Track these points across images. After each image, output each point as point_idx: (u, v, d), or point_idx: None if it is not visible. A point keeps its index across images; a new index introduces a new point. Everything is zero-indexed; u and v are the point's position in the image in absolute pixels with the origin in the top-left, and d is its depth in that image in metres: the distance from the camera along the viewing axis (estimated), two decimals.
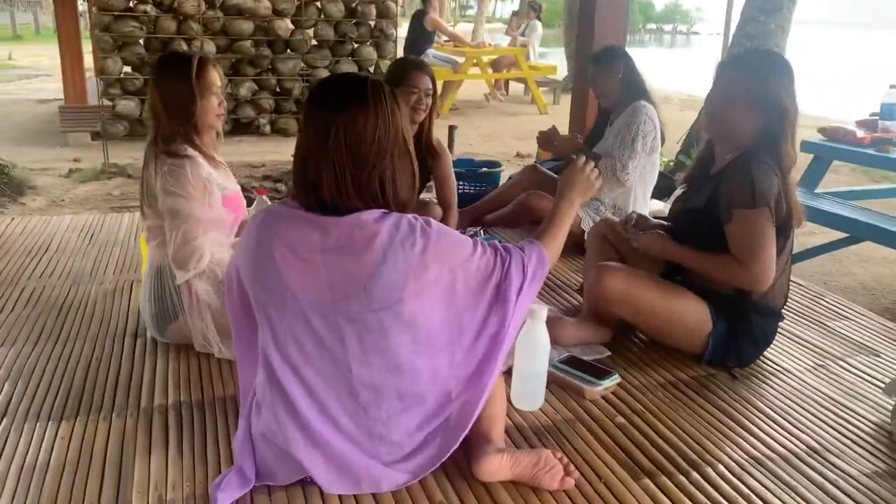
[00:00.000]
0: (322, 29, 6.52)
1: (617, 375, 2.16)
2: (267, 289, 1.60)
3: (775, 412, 2.07)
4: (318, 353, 1.59)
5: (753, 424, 2.00)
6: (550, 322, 2.43)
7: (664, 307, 2.27)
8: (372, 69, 6.85)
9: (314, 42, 6.52)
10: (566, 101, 12.17)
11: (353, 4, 6.55)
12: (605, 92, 3.39)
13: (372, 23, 6.71)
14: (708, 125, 2.30)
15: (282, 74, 6.50)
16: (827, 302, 2.93)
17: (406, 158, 1.64)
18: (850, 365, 2.38)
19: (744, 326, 2.26)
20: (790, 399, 2.14)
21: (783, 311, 2.37)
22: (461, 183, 4.10)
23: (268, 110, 6.48)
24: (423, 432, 1.65)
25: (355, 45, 6.74)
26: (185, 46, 6.14)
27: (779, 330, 2.53)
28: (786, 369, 2.33)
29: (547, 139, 3.57)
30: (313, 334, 1.58)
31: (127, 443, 1.84)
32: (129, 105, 6.05)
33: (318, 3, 6.42)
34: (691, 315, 2.26)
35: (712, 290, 2.25)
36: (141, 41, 6.12)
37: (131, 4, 5.97)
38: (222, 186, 2.33)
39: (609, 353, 2.37)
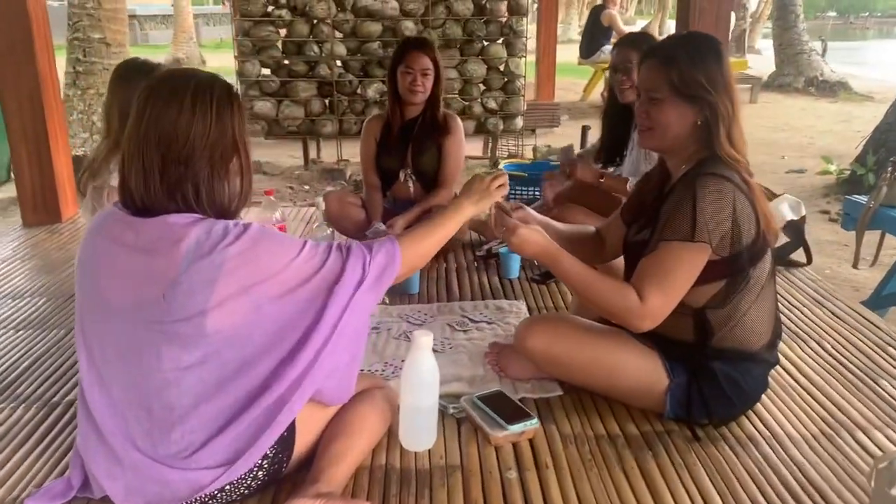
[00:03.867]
0: (450, 28, 6.43)
1: (535, 420, 1.84)
2: (83, 288, 1.55)
3: (716, 490, 1.63)
4: (118, 361, 1.50)
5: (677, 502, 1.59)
6: (502, 350, 2.17)
7: (602, 365, 1.89)
8: (502, 68, 6.65)
9: (442, 42, 6.46)
10: (767, 98, 11.19)
11: (483, 2, 6.40)
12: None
13: (503, 19, 6.51)
14: (639, 136, 1.88)
15: None
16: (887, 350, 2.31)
17: (234, 166, 1.51)
18: (872, 439, 1.83)
19: (705, 375, 1.82)
20: (752, 475, 1.68)
21: (769, 357, 1.88)
22: (523, 189, 3.82)
23: None
24: (232, 449, 1.49)
25: (484, 44, 6.58)
26: (316, 49, 6.36)
27: (790, 382, 2.06)
28: (776, 434, 1.85)
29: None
30: (115, 341, 1.49)
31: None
32: (265, 105, 6.40)
33: (447, 2, 6.35)
34: (638, 371, 1.86)
35: (665, 338, 1.83)
36: (278, 44, 6.44)
37: (269, 10, 6.29)
38: None
39: (561, 392, 2.03)
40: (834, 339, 2.40)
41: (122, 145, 1.50)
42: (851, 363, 2.23)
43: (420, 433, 1.79)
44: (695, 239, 1.68)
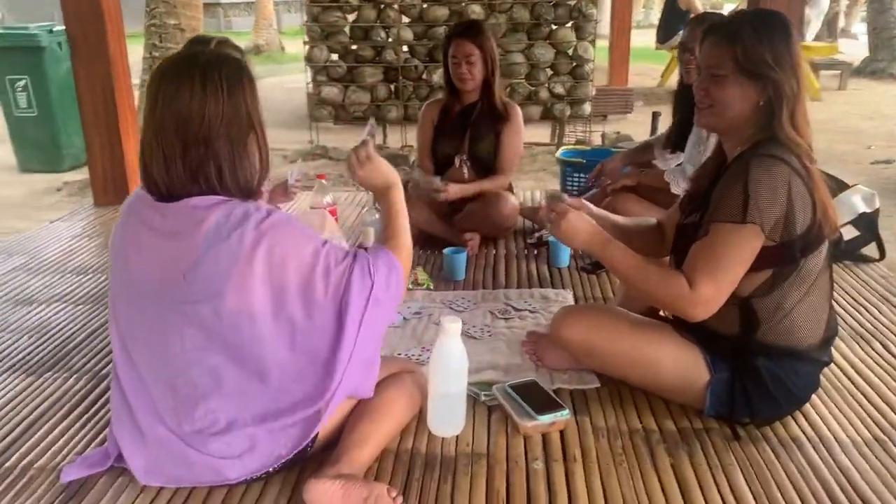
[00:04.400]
0: (517, 12, 6.34)
1: (566, 412, 1.79)
2: (114, 269, 1.59)
3: (752, 493, 1.55)
4: (145, 340, 1.54)
5: None
6: (539, 339, 2.13)
7: (639, 358, 1.82)
8: (570, 52, 6.51)
9: (509, 26, 6.37)
10: (857, 85, 10.62)
11: None
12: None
13: (572, 2, 6.36)
14: (697, 115, 1.79)
15: None
16: None
17: (252, 142, 1.51)
18: None
19: (748, 372, 1.73)
20: (792, 479, 1.60)
21: (819, 356, 1.78)
22: (579, 175, 3.73)
23: None
24: (249, 434, 1.52)
25: (552, 28, 6.46)
26: (383, 34, 6.39)
27: (845, 383, 1.94)
28: (823, 437, 1.75)
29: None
30: (143, 320, 1.53)
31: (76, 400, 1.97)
32: (332, 91, 6.48)
33: None
34: (677, 364, 1.79)
35: (708, 330, 1.76)
36: (346, 30, 6.50)
37: None
38: None
39: (598, 385, 1.98)
40: None
41: (140, 134, 1.52)
42: None
43: (448, 419, 1.77)
44: (746, 220, 1.59)
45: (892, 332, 2.30)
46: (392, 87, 6.63)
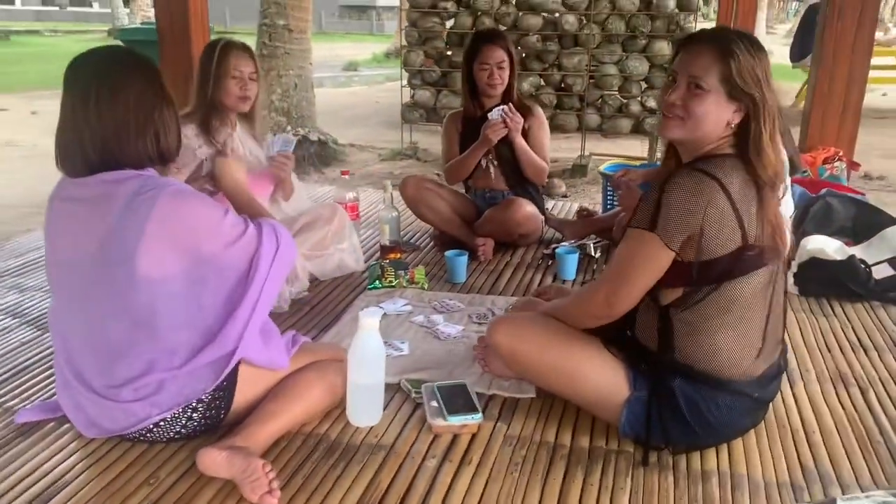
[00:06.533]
0: (612, 23, 6.24)
1: (479, 416, 1.82)
2: (46, 251, 1.77)
3: None
4: (70, 305, 1.71)
5: None
6: (489, 345, 2.15)
7: (563, 370, 1.81)
8: (666, 66, 6.31)
9: (602, 37, 6.27)
10: None
11: None
12: None
13: (671, 15, 6.17)
14: (662, 125, 1.73)
15: (566, 70, 6.42)
16: None
17: (172, 114, 1.70)
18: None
19: (664, 393, 1.69)
20: None
21: (749, 390, 1.70)
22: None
23: (548, 106, 6.47)
24: (158, 379, 1.65)
25: (648, 40, 6.30)
26: None
27: (795, 425, 1.84)
28: (736, 475, 1.67)
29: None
30: (67, 287, 1.71)
31: None
32: (424, 94, 6.66)
33: None
34: (598, 378, 1.77)
35: (634, 345, 1.76)
36: (442, 35, 6.66)
37: (436, 2, 6.52)
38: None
39: (533, 395, 1.98)
40: (889, 391, 2.07)
41: (72, 119, 1.64)
42: (889, 420, 1.92)
43: (363, 410, 1.85)
44: (651, 229, 1.60)
45: (879, 380, 2.12)
46: None
